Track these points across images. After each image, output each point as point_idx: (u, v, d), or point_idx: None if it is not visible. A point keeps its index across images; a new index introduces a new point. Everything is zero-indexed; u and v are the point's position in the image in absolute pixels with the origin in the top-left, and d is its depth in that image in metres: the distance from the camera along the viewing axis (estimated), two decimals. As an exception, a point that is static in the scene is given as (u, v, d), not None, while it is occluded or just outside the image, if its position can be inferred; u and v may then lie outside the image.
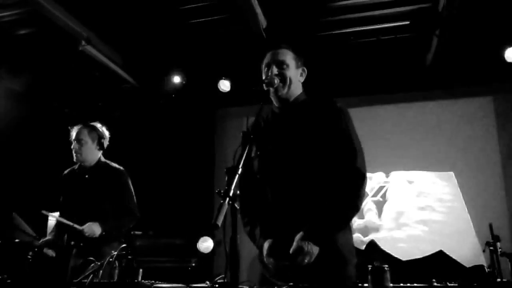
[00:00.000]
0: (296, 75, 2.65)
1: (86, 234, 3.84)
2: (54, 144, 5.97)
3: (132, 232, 5.62)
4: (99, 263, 3.09)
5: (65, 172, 4.30)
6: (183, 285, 2.52)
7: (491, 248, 5.21)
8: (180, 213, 6.75)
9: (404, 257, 5.99)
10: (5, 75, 6.12)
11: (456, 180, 6.40)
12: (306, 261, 2.28)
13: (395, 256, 5.87)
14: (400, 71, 6.44)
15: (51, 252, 3.94)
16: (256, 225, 2.56)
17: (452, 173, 6.43)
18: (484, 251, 5.25)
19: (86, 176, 4.14)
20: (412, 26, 5.49)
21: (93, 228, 3.87)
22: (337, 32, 5.98)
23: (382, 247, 5.84)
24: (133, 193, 4.22)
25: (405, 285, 1.83)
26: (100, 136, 4.20)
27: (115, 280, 2.92)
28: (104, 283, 2.70)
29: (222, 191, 1.85)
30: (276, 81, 2.53)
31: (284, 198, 2.49)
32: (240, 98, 6.29)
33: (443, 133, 6.60)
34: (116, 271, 3.08)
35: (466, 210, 6.25)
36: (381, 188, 6.60)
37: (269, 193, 2.55)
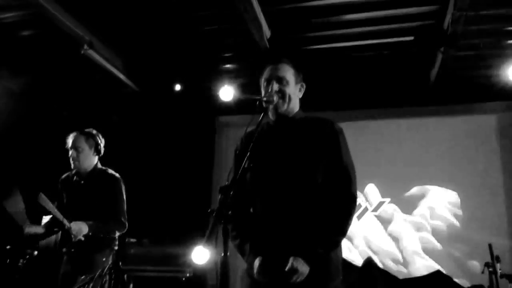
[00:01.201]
0: (295, 92, 2.63)
1: (73, 232, 3.78)
2: (51, 147, 5.95)
3: (126, 240, 5.57)
4: (90, 276, 3.05)
5: (62, 177, 4.30)
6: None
7: (490, 269, 5.15)
8: (176, 221, 6.69)
9: (401, 276, 5.92)
10: (6, 75, 6.10)
11: (457, 198, 6.33)
12: (298, 280, 2.27)
13: (393, 274, 5.81)
14: (404, 87, 6.42)
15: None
16: (245, 240, 2.52)
17: (454, 192, 6.37)
18: (483, 272, 5.19)
19: (82, 182, 4.13)
20: (416, 42, 5.44)
21: (80, 227, 3.81)
22: (340, 45, 5.94)
23: (379, 264, 5.77)
24: (125, 201, 4.18)
25: None
26: (97, 143, 4.19)
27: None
28: None
29: (214, 211, 1.83)
30: (276, 98, 2.50)
31: (273, 212, 2.46)
32: (240, 107, 6.25)
33: (445, 150, 6.54)
34: (106, 285, 3.05)
35: (465, 229, 6.18)
36: (381, 203, 6.54)
37: (259, 206, 2.53)
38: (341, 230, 2.40)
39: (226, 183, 2.07)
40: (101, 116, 6.92)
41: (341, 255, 2.52)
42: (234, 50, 6.20)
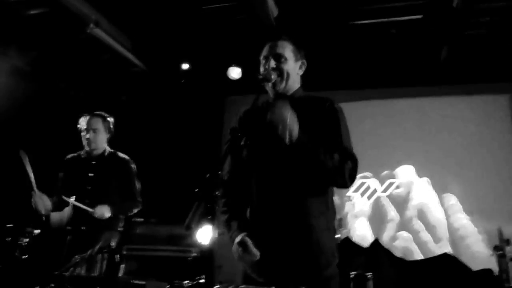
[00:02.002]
0: (294, 69, 2.55)
1: (96, 216, 3.90)
2: (58, 126, 5.99)
3: (133, 219, 5.60)
4: (82, 255, 3.05)
5: (68, 156, 4.33)
6: (162, 282, 2.46)
7: (500, 252, 5.08)
8: (183, 201, 6.67)
9: (408, 258, 5.85)
10: (14, 53, 6.12)
11: (467, 180, 6.23)
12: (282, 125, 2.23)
13: (399, 256, 5.74)
14: (413, 66, 6.31)
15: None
16: (234, 217, 2.48)
17: (464, 174, 6.26)
18: (492, 255, 5.11)
19: (93, 162, 4.19)
20: (426, 20, 5.32)
21: (103, 211, 3.94)
22: (349, 23, 5.82)
23: (385, 246, 5.70)
24: (137, 181, 4.29)
25: None
26: (110, 125, 4.27)
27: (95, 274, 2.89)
28: (83, 277, 2.66)
29: (200, 192, 1.81)
30: (273, 76, 2.45)
31: (268, 191, 2.41)
32: (249, 86, 6.17)
33: (455, 130, 6.43)
34: (98, 264, 3.05)
35: (474, 212, 6.08)
36: (390, 184, 6.46)
37: (254, 184, 2.47)
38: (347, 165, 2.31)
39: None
40: (109, 96, 6.94)
41: (335, 238, 2.47)
42: (241, 28, 6.12)
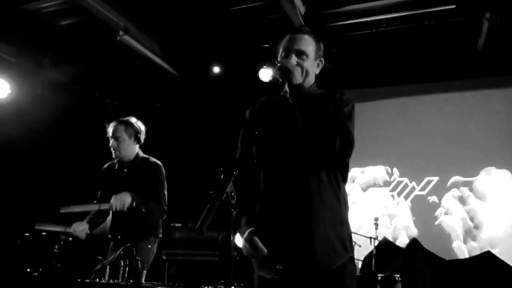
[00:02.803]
0: (313, 67, 2.47)
1: (114, 205, 3.80)
2: (96, 135, 6.10)
3: (171, 224, 5.63)
4: (104, 262, 3.07)
5: (105, 166, 4.37)
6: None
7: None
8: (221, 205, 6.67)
9: (448, 257, 5.67)
10: (49, 65, 6.27)
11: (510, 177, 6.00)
12: None
13: (439, 256, 5.56)
14: (449, 59, 6.10)
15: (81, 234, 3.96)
16: (243, 212, 2.40)
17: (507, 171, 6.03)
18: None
19: (125, 170, 4.19)
20: (459, 10, 5.12)
21: (122, 197, 3.82)
22: (379, 18, 5.67)
23: (425, 246, 5.53)
24: (165, 187, 4.21)
25: None
26: (137, 131, 4.20)
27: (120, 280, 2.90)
28: (105, 284, 2.67)
29: (214, 193, 1.76)
30: (297, 73, 2.33)
31: (276, 184, 2.34)
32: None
33: (495, 124, 6.17)
34: (120, 271, 3.06)
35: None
36: (429, 182, 6.30)
37: (262, 178, 2.41)
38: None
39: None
40: (143, 103, 7.00)
41: (348, 230, 2.38)
42: (270, 29, 6.07)
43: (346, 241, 2.32)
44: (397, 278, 1.40)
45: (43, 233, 4.30)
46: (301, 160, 2.29)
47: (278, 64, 2.33)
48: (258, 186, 2.44)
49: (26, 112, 5.94)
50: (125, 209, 3.82)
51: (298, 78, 2.32)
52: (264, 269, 2.30)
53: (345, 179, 2.45)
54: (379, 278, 1.47)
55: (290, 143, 2.32)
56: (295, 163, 2.31)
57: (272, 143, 2.39)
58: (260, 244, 2.22)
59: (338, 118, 2.30)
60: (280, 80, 2.25)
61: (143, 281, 3.00)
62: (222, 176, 1.83)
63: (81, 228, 3.88)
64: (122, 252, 3.31)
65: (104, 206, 3.89)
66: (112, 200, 3.82)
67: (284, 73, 2.27)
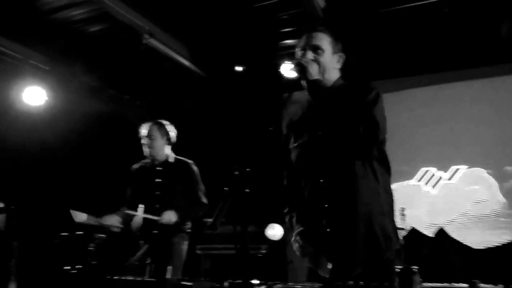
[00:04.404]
0: (332, 62, 2.53)
1: (163, 222, 4.08)
2: (128, 137, 6.32)
3: (203, 220, 5.80)
4: (132, 259, 3.23)
5: (135, 166, 4.57)
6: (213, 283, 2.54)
7: None
8: (250, 200, 6.76)
9: (477, 246, 5.58)
10: (80, 70, 6.53)
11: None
12: None
13: (467, 244, 5.50)
14: (471, 44, 5.98)
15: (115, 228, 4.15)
16: (293, 216, 2.56)
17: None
18: None
19: (159, 168, 4.40)
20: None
21: (170, 216, 4.10)
22: (398, 8, 5.60)
23: (452, 235, 5.47)
24: (201, 183, 4.45)
25: (439, 285, 1.70)
26: (168, 132, 4.44)
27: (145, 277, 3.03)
28: (132, 280, 2.81)
29: (228, 190, 1.90)
30: (312, 68, 2.44)
31: (318, 191, 2.43)
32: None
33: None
34: (147, 268, 3.22)
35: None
36: (456, 170, 6.20)
37: (305, 185, 2.51)
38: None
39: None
40: (174, 103, 7.16)
41: (392, 221, 2.47)
42: (290, 24, 6.10)
43: (391, 232, 2.41)
44: (415, 269, 1.43)
45: (79, 233, 4.54)
46: (333, 156, 2.38)
47: (294, 61, 2.44)
48: (302, 189, 2.55)
49: (61, 118, 6.23)
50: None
51: (314, 73, 2.41)
52: (321, 269, 2.39)
53: (387, 170, 2.50)
54: (397, 270, 1.51)
55: (322, 142, 2.41)
56: (328, 160, 2.40)
57: (306, 147, 2.50)
58: (307, 245, 2.40)
59: (362, 106, 2.35)
60: (298, 75, 2.38)
61: (169, 276, 3.12)
62: (235, 172, 1.95)
63: (113, 221, 4.09)
64: (147, 250, 3.44)
65: (155, 218, 4.12)
66: (163, 216, 4.08)
67: (300, 69, 2.37)
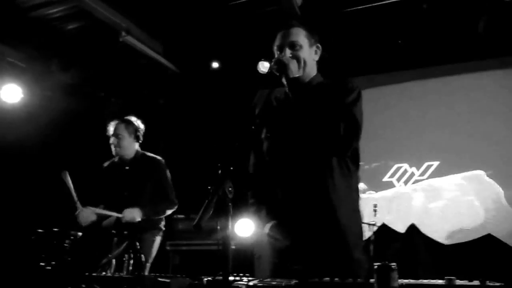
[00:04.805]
0: (310, 55, 2.53)
1: (126, 219, 4.04)
2: (104, 134, 6.32)
3: (174, 216, 5.80)
4: (109, 256, 3.23)
5: (105, 164, 4.56)
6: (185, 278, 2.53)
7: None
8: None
9: (447, 241, 5.60)
10: (56, 68, 6.52)
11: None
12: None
13: (438, 240, 5.51)
14: (449, 42, 6.00)
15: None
16: (262, 207, 2.53)
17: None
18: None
19: (126, 167, 4.38)
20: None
21: (133, 214, 4.06)
22: (376, 4, 5.63)
23: (423, 231, 5.49)
24: (170, 181, 4.41)
25: (415, 281, 1.72)
26: (136, 129, 4.40)
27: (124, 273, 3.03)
28: (110, 277, 2.81)
29: (212, 188, 1.83)
30: (292, 65, 2.41)
31: (291, 178, 2.43)
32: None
33: (501, 106, 6.03)
34: (125, 264, 3.22)
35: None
36: (429, 166, 6.23)
37: (277, 174, 2.50)
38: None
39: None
40: (148, 101, 7.17)
41: (359, 219, 2.48)
42: (267, 21, 6.11)
43: (361, 229, 2.46)
44: (393, 266, 1.43)
45: (55, 229, 4.53)
46: (309, 152, 2.37)
47: (274, 60, 2.41)
48: (273, 181, 2.53)
49: (37, 115, 6.22)
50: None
51: (294, 71, 2.40)
52: (289, 261, 2.37)
53: (357, 167, 2.51)
54: (376, 267, 1.52)
55: (297, 137, 2.40)
56: (304, 156, 2.39)
57: (280, 139, 2.48)
58: (282, 236, 2.37)
59: (343, 105, 2.36)
60: (277, 74, 2.34)
61: (146, 273, 3.12)
62: (219, 171, 1.88)
63: (87, 215, 4.05)
64: (126, 246, 3.44)
65: (117, 215, 4.11)
66: (124, 213, 4.04)
67: (280, 67, 2.35)
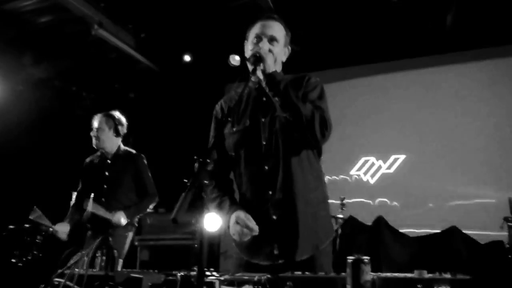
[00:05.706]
0: (281, 54, 2.51)
1: (113, 222, 4.12)
2: (75, 129, 6.32)
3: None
4: (82, 252, 3.25)
5: (87, 159, 4.58)
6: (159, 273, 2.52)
7: (510, 223, 4.90)
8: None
9: (413, 234, 5.70)
10: (29, 62, 6.49)
11: (477, 150, 5.94)
12: None
13: (404, 232, 5.60)
14: (417, 35, 6.04)
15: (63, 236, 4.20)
16: (225, 200, 2.48)
17: (475, 144, 5.98)
18: (501, 227, 4.92)
19: (108, 161, 4.41)
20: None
21: (120, 218, 4.14)
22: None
23: (390, 223, 5.57)
24: (150, 175, 4.48)
25: (386, 274, 1.74)
26: (117, 124, 4.42)
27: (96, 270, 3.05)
28: (82, 274, 2.81)
29: (188, 182, 1.76)
30: (269, 59, 2.35)
31: (259, 173, 2.40)
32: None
33: (467, 99, 6.11)
34: (98, 260, 3.24)
35: (484, 183, 5.80)
36: (395, 160, 6.30)
37: (242, 170, 2.47)
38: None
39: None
40: (119, 94, 7.16)
41: (326, 211, 2.48)
42: (238, 14, 6.12)
43: (329, 221, 2.48)
44: (366, 260, 1.45)
45: (26, 225, 4.54)
46: (285, 144, 2.35)
47: (252, 52, 2.37)
48: (237, 176, 2.51)
49: (8, 110, 6.20)
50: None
51: (271, 65, 2.35)
52: (258, 257, 2.36)
53: (320, 154, 2.51)
54: (349, 260, 1.53)
55: (271, 130, 2.38)
56: (277, 148, 2.37)
57: (250, 132, 2.44)
58: (253, 223, 2.30)
59: (312, 100, 2.35)
60: (253, 67, 2.29)
61: (119, 269, 3.13)
62: (195, 165, 1.84)
63: (63, 229, 4.15)
64: (99, 243, 3.45)
65: (108, 216, 4.14)
66: (114, 216, 4.11)
67: (258, 60, 2.30)
